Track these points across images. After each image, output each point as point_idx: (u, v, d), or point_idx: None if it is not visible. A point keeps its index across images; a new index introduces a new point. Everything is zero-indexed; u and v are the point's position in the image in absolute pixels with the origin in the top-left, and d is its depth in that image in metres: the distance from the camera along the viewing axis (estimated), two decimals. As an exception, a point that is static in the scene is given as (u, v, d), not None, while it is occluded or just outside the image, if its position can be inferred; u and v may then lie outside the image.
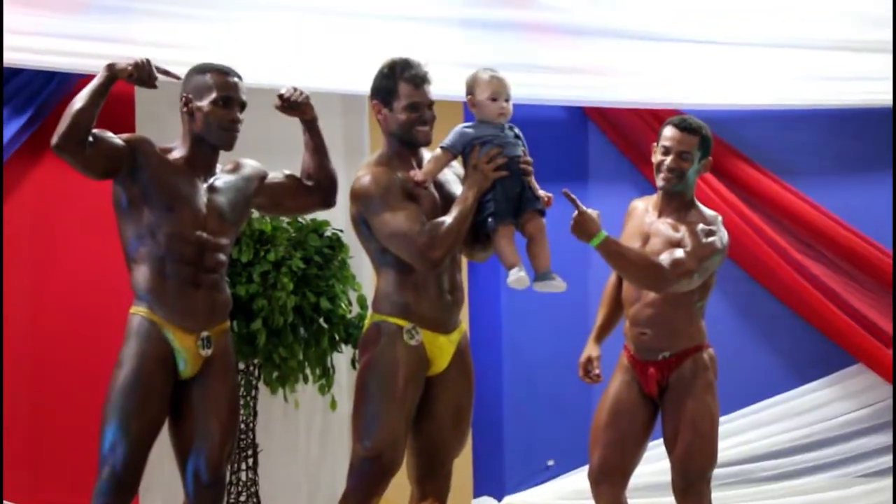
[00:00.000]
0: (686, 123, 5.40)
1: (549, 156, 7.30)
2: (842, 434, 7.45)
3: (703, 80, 7.27)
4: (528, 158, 4.98)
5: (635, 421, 5.45)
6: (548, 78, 7.00)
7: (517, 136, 5.00)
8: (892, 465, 7.34)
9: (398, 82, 4.92)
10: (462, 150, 4.94)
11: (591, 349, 5.57)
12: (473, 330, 7.15)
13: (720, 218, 5.42)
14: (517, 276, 4.88)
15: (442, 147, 4.95)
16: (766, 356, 7.33)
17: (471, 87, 5.01)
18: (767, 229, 7.40)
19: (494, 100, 4.96)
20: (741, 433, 7.26)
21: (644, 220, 5.46)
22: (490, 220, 4.90)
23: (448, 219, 4.86)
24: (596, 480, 5.48)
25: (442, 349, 5.01)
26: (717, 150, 7.40)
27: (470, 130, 4.95)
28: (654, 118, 7.22)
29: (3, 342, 6.54)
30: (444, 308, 4.97)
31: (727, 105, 7.31)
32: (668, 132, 5.39)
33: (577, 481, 7.20)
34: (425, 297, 4.95)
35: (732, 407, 7.05)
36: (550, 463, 7.38)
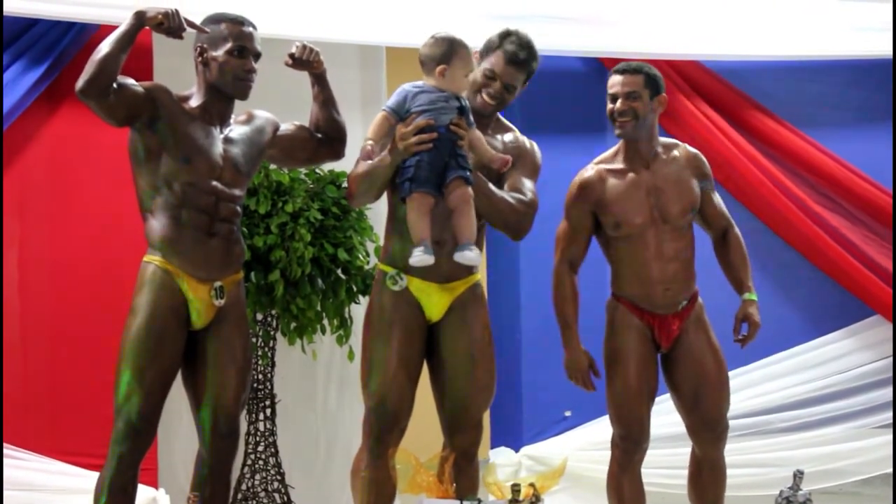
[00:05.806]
0: (625, 66, 5.34)
1: (567, 107, 7.32)
2: (859, 385, 7.44)
3: (722, 31, 7.23)
4: (461, 122, 4.90)
5: (655, 378, 5.44)
6: (566, 29, 6.97)
7: (461, 108, 4.91)
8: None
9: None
10: (403, 117, 4.88)
11: (584, 353, 5.37)
12: (491, 280, 7.17)
13: (683, 145, 5.45)
14: (420, 257, 4.81)
15: (385, 109, 4.92)
16: (784, 308, 7.31)
17: (447, 57, 4.90)
18: (786, 181, 7.38)
19: (466, 76, 4.95)
20: (758, 384, 7.26)
21: (625, 180, 5.37)
22: (407, 184, 4.85)
23: (360, 167, 4.96)
24: (633, 448, 5.38)
25: (431, 297, 5.04)
26: (737, 101, 7.38)
27: (415, 98, 4.89)
28: (673, 70, 7.20)
29: (21, 290, 6.57)
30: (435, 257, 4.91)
31: (746, 56, 7.28)
32: (610, 80, 5.35)
33: (595, 432, 7.22)
34: (412, 245, 4.94)
35: (749, 359, 7.05)
36: (568, 414, 7.39)
